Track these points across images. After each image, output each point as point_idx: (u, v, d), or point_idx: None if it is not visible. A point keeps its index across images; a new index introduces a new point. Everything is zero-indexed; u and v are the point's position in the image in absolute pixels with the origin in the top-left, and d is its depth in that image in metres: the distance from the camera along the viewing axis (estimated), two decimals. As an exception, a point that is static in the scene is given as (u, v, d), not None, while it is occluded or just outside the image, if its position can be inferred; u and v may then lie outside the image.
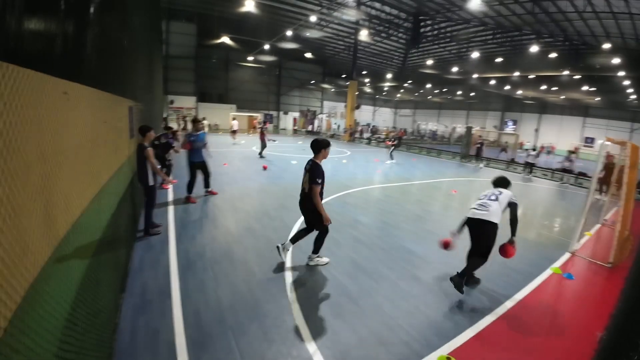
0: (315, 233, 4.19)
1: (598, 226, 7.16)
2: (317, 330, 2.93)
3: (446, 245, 3.83)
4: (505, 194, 3.75)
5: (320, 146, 3.90)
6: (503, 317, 3.37)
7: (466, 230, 3.78)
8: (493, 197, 3.70)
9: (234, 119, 21.47)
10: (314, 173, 3.79)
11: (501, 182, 4.01)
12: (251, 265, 4.13)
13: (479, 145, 17.66)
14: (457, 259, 4.72)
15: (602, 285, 4.44)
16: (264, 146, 14.16)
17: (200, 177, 6.90)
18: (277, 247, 4.20)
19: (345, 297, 3.52)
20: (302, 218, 6.04)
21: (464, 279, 3.62)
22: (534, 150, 15.20)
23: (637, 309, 0.78)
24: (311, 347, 2.71)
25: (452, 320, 3.24)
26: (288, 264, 4.21)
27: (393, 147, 16.11)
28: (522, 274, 4.43)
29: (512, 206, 3.69)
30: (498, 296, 3.78)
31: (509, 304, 3.62)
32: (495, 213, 3.58)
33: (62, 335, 1.54)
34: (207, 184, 7.15)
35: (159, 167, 4.82)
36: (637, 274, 0.82)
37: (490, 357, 2.78)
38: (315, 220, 4.01)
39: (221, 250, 4.51)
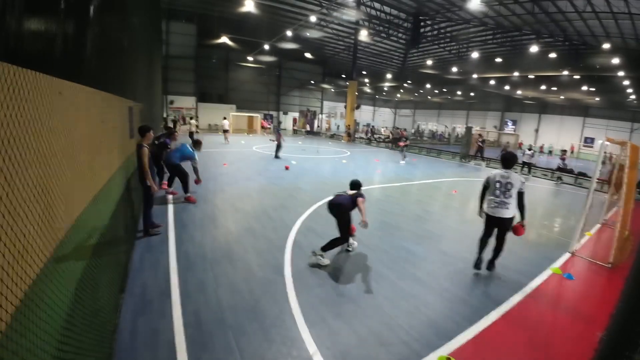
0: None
1: (598, 226, 7.16)
2: (317, 330, 2.93)
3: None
4: (515, 186, 4.04)
5: (359, 185, 4.65)
6: (503, 318, 3.36)
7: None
8: (507, 195, 4.05)
9: (224, 118, 21.68)
10: (360, 195, 4.43)
11: (510, 162, 4.22)
12: (251, 265, 4.13)
13: (479, 145, 17.65)
14: (458, 259, 4.73)
15: (602, 286, 4.44)
16: (279, 146, 14.22)
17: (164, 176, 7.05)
18: (317, 261, 4.33)
19: (345, 297, 3.52)
20: (302, 218, 6.08)
21: (494, 264, 4.40)
22: (529, 149, 15.16)
23: (638, 309, 0.78)
24: (311, 347, 2.71)
25: (452, 320, 3.24)
26: (288, 264, 4.21)
27: (405, 147, 16.80)
28: (522, 274, 4.43)
29: (520, 195, 4.06)
30: (498, 296, 3.78)
31: (508, 304, 3.62)
32: (513, 208, 4.07)
33: (62, 335, 1.54)
34: (170, 184, 7.13)
35: (159, 169, 4.84)
36: (637, 274, 0.81)
37: (490, 358, 2.78)
38: (342, 225, 4.38)
39: (221, 251, 4.50)
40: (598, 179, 5.59)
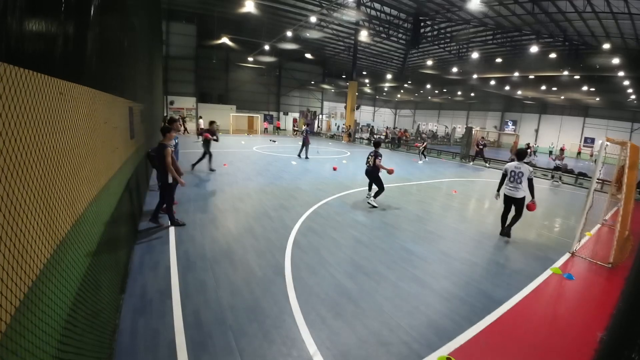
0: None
1: (598, 226, 7.16)
2: (317, 330, 2.93)
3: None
4: (525, 174, 5.40)
5: (380, 143, 7.58)
6: (503, 318, 3.36)
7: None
8: (519, 181, 5.44)
9: (200, 117, 21.92)
10: (379, 155, 7.18)
11: (522, 156, 5.69)
12: (251, 265, 4.13)
13: (481, 147, 17.56)
14: (458, 259, 4.73)
15: (602, 286, 4.44)
16: (306, 147, 14.70)
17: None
18: (369, 202, 7.22)
19: (345, 297, 3.52)
20: (302, 218, 6.09)
21: (510, 230, 5.76)
22: (527, 147, 15.18)
23: (638, 309, 0.78)
24: (311, 347, 2.71)
25: (452, 320, 3.24)
26: (288, 264, 4.21)
27: (424, 149, 18.16)
28: (522, 274, 4.43)
29: (530, 181, 5.40)
30: (498, 296, 3.77)
31: (509, 305, 3.62)
32: (523, 190, 5.45)
33: (62, 336, 1.54)
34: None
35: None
36: (638, 274, 0.81)
37: (490, 358, 2.78)
38: (377, 183, 7.30)
39: (221, 251, 4.51)
40: (599, 179, 5.76)
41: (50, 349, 1.36)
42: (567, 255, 5.22)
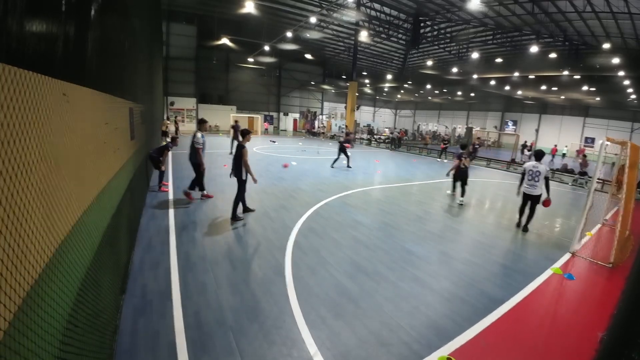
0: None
1: (599, 226, 7.16)
2: (318, 330, 2.93)
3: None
4: (542, 172, 5.85)
5: (465, 145, 8.82)
6: (503, 318, 3.36)
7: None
8: (537, 179, 5.89)
9: (167, 118, 21.45)
10: (462, 155, 8.11)
11: (539, 157, 6.04)
12: (252, 266, 4.13)
13: (476, 146, 17.44)
14: (458, 259, 4.73)
15: (603, 286, 4.44)
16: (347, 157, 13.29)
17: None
18: (460, 203, 8.06)
19: (345, 297, 3.52)
20: (303, 219, 6.09)
21: (527, 226, 6.24)
22: (529, 150, 14.77)
23: (638, 309, 0.78)
24: (312, 347, 2.71)
25: (452, 320, 3.24)
26: (288, 265, 4.21)
27: (445, 150, 18.51)
28: (523, 274, 4.43)
29: (546, 179, 5.89)
30: (499, 296, 3.77)
31: (509, 305, 3.62)
32: (540, 187, 5.90)
33: (63, 336, 1.54)
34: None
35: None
36: (638, 274, 0.81)
37: (491, 358, 2.78)
38: (465, 181, 8.17)
39: (221, 251, 4.51)
40: (600, 179, 5.88)
41: (52, 349, 1.36)
42: (567, 255, 5.21)
